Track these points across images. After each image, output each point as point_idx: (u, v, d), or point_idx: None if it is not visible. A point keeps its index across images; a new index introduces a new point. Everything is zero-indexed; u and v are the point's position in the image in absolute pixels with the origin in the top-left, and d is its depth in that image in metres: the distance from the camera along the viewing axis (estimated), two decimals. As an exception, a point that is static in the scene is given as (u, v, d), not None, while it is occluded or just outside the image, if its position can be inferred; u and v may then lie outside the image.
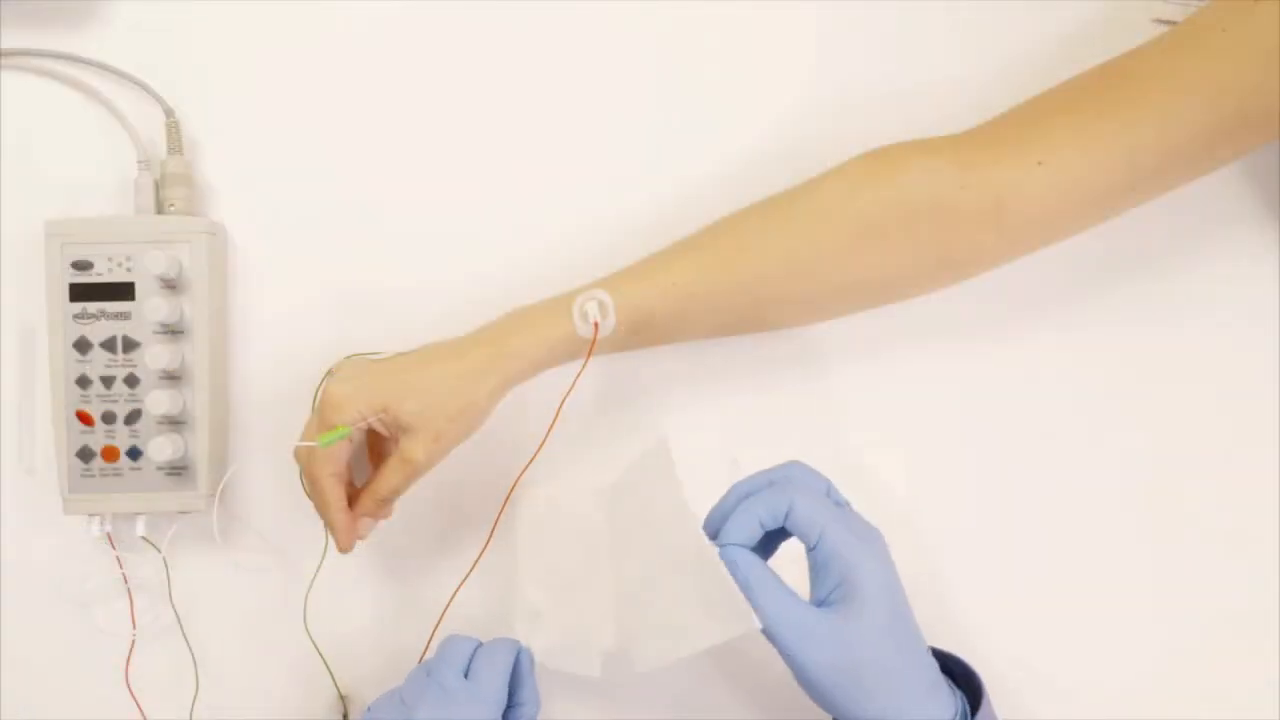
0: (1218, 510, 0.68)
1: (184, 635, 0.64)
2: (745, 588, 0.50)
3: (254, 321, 0.66)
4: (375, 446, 0.64)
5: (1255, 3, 0.54)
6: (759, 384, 0.67)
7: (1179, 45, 0.56)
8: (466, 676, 0.56)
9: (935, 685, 0.53)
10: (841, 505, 0.54)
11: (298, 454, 0.59)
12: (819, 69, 0.67)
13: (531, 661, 0.59)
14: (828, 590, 0.51)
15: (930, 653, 0.54)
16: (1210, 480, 0.68)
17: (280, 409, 0.65)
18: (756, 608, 0.50)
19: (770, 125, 0.67)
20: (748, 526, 0.51)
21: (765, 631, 0.50)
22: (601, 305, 0.58)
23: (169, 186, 0.63)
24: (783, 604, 0.50)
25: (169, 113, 0.64)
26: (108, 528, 0.63)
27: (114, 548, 0.64)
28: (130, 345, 0.62)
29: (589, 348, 0.59)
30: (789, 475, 0.54)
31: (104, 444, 0.62)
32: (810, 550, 0.51)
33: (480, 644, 0.58)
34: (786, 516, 0.51)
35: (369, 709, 0.58)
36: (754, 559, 0.51)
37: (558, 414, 0.61)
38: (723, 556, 0.51)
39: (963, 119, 0.61)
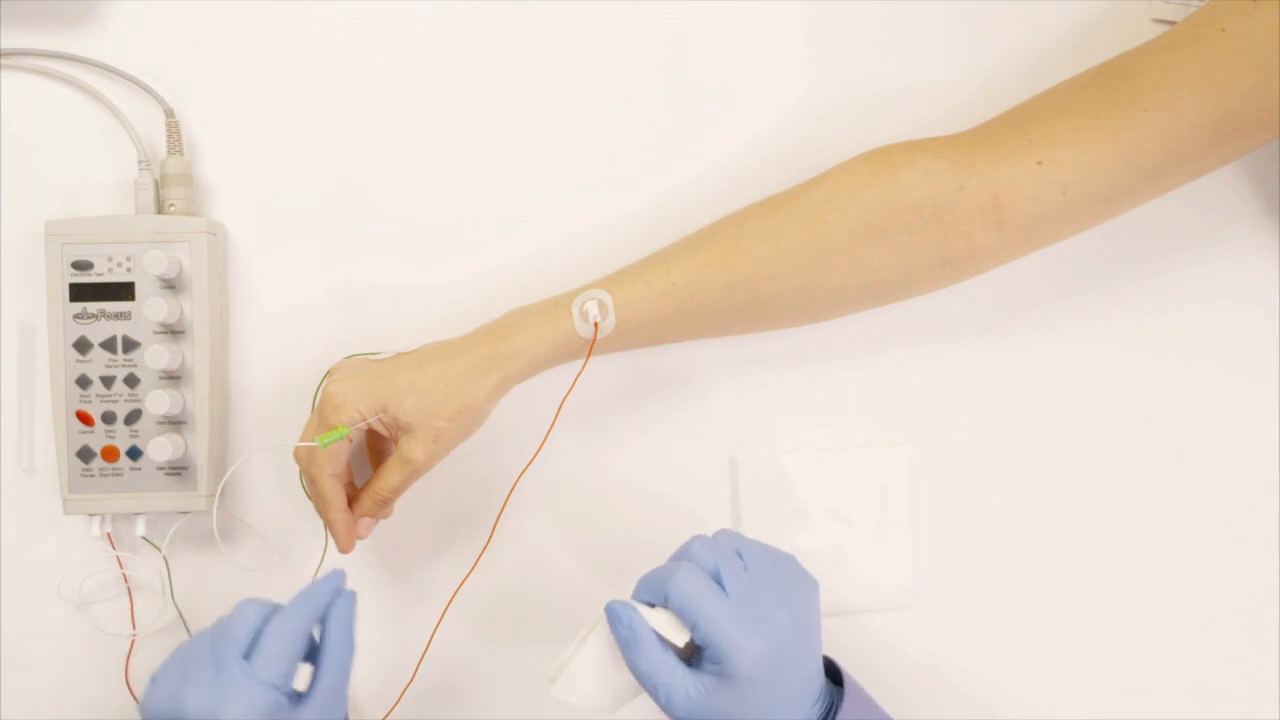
0: (1218, 510, 0.68)
1: (185, 635, 0.64)
2: (623, 643, 0.52)
3: (254, 321, 0.66)
4: (375, 446, 0.64)
5: (1255, 2, 0.54)
6: (759, 383, 0.67)
7: (1178, 45, 0.56)
8: (249, 654, 0.50)
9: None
10: (743, 570, 0.53)
11: (298, 454, 0.59)
12: (819, 69, 0.67)
13: (349, 607, 0.54)
14: (710, 660, 0.52)
15: (814, 679, 0.54)
16: (1210, 480, 0.68)
17: (280, 409, 0.65)
18: (630, 662, 0.52)
19: (770, 125, 0.67)
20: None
21: (640, 681, 0.52)
22: (601, 305, 0.58)
23: (169, 186, 0.63)
24: (655, 661, 0.51)
25: (169, 113, 0.64)
26: (108, 528, 0.63)
27: (114, 548, 0.64)
28: (130, 345, 0.62)
29: (589, 347, 0.59)
30: (686, 553, 0.54)
31: (104, 444, 0.62)
32: (693, 631, 0.52)
33: (275, 610, 0.52)
34: (666, 602, 0.52)
35: (153, 677, 0.52)
36: (636, 617, 0.52)
37: (558, 414, 0.61)
38: (606, 610, 0.52)
39: (963, 119, 0.61)
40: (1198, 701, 0.67)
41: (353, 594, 0.55)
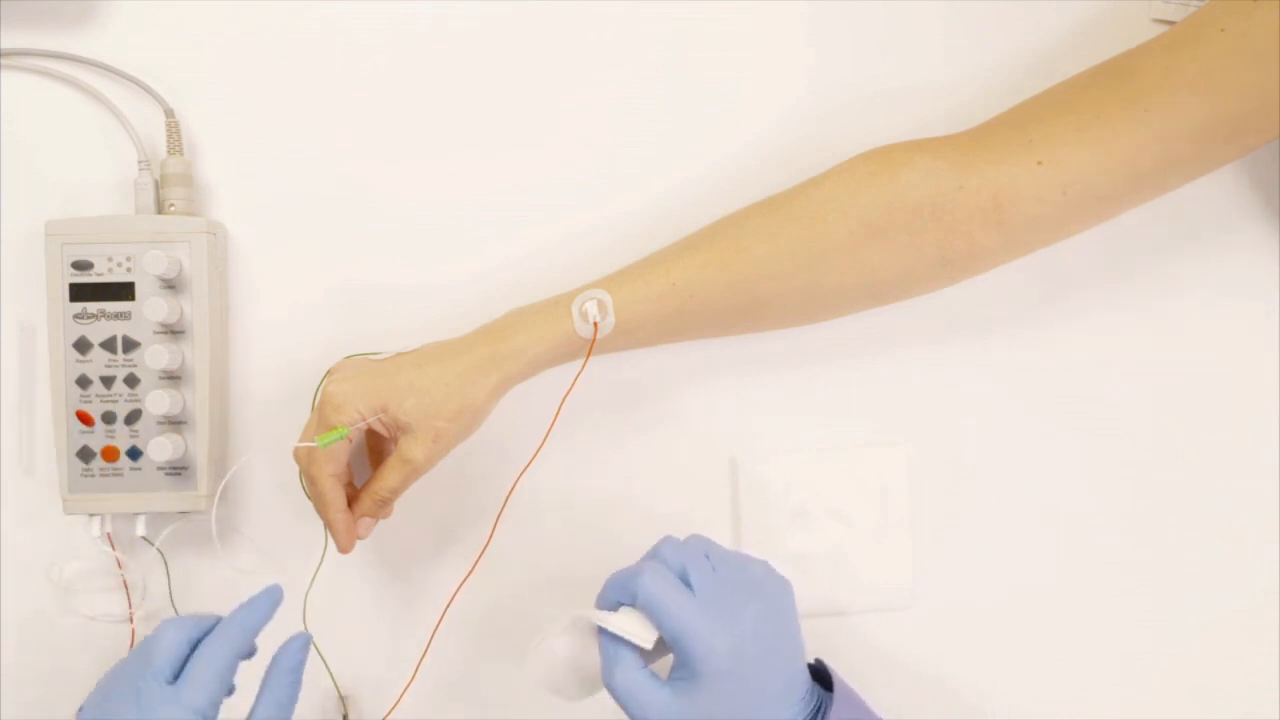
0: (1218, 510, 0.68)
1: (184, 635, 0.64)
2: (605, 659, 0.53)
3: (254, 321, 0.66)
4: (375, 446, 0.64)
5: (1254, 2, 0.54)
6: (759, 383, 0.67)
7: (1178, 45, 0.56)
8: (178, 678, 0.50)
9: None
10: (710, 570, 0.54)
11: (297, 455, 0.59)
12: (819, 69, 0.67)
13: (301, 650, 0.53)
14: (678, 665, 0.52)
15: (796, 679, 0.54)
16: (1210, 480, 0.68)
17: (280, 409, 0.65)
18: (605, 679, 0.53)
19: (770, 125, 0.67)
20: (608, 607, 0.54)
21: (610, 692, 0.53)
22: (601, 305, 0.59)
23: (169, 186, 0.63)
24: (628, 673, 0.52)
25: (169, 113, 0.64)
26: (108, 528, 0.63)
27: (114, 548, 0.64)
28: (130, 345, 0.62)
29: (589, 347, 0.59)
30: (655, 553, 0.55)
31: (104, 444, 0.62)
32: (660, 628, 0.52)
33: (204, 629, 0.52)
34: (634, 601, 0.53)
35: (80, 708, 0.51)
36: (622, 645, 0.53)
37: (558, 414, 0.61)
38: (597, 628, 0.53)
39: (963, 119, 0.61)
40: (1198, 701, 0.67)
41: (308, 636, 0.54)
